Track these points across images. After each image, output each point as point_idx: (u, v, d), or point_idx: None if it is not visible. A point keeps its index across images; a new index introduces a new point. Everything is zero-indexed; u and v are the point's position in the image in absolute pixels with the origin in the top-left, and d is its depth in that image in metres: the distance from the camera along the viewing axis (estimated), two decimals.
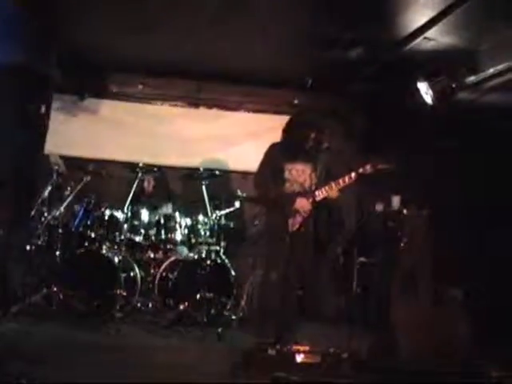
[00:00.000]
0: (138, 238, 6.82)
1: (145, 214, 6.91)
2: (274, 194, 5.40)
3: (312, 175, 5.48)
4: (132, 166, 7.10)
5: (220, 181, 7.50)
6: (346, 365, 4.50)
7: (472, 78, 6.28)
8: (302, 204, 5.32)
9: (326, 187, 5.36)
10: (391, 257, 6.98)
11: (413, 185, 7.33)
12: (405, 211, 7.05)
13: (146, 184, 7.57)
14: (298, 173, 5.44)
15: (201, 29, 6.23)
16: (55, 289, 6.04)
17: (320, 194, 5.37)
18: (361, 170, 5.28)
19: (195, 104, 8.49)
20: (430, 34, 5.58)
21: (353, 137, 8.30)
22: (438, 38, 5.68)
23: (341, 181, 5.33)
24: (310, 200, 5.33)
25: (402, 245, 6.87)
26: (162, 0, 5.57)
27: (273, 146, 5.57)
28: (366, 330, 5.84)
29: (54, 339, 5.30)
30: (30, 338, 5.22)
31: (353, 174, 5.28)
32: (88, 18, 6.20)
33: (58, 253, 6.37)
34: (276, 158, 5.47)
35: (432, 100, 6.49)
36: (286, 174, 5.42)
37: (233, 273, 6.69)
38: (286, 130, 5.56)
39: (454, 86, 6.36)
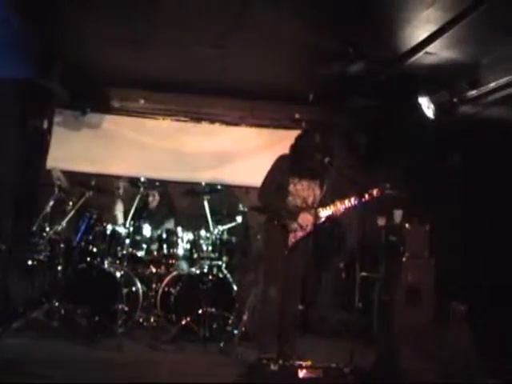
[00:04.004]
0: (139, 253, 6.80)
1: (147, 229, 6.89)
2: (278, 206, 5.39)
3: (317, 191, 5.48)
4: (134, 181, 7.11)
5: (222, 195, 7.49)
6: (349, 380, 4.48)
7: (473, 93, 6.29)
8: (306, 219, 5.31)
9: (331, 206, 5.37)
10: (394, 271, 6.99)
11: (415, 200, 7.34)
12: (407, 225, 7.04)
13: (149, 199, 7.56)
14: (304, 187, 5.43)
15: (202, 44, 6.26)
16: (57, 304, 6.02)
17: (324, 212, 5.37)
18: (367, 195, 5.28)
19: (197, 119, 8.52)
20: (431, 48, 5.60)
21: (357, 153, 8.30)
22: (439, 52, 5.70)
23: (347, 201, 5.33)
24: (314, 215, 5.32)
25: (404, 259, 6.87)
26: (163, 16, 5.60)
27: (281, 159, 5.55)
28: (369, 345, 5.81)
29: (55, 355, 5.28)
30: (32, 353, 5.21)
31: (359, 198, 5.28)
32: (90, 33, 6.23)
33: (59, 268, 6.36)
34: (283, 170, 5.46)
35: (434, 114, 6.51)
36: (292, 188, 5.41)
37: (235, 287, 6.68)
38: (293, 148, 5.55)
39: (455, 100, 6.38)
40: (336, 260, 7.81)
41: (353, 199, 5.30)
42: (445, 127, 6.92)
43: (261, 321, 5.61)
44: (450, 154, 7.62)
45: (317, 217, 5.35)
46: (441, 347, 4.81)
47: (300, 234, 5.38)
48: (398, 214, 7.31)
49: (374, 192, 5.31)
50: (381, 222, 7.50)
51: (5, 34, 5.76)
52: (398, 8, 5.02)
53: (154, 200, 7.58)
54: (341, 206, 5.35)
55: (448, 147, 7.55)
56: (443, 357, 4.70)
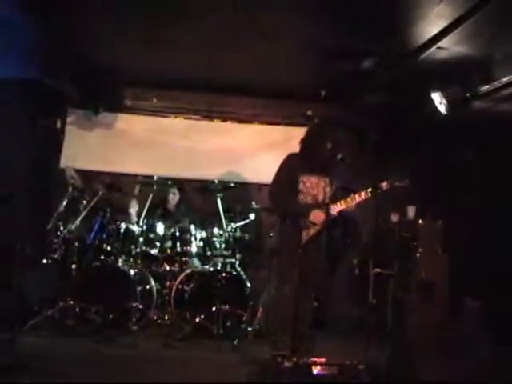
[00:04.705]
0: (153, 251, 6.83)
1: (160, 227, 6.92)
2: (289, 205, 5.40)
3: (328, 188, 5.48)
4: (147, 180, 7.14)
5: (235, 193, 7.50)
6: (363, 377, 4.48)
7: (486, 87, 6.25)
8: (317, 216, 5.32)
9: (342, 201, 5.37)
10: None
11: (428, 196, 7.31)
12: (420, 221, 7.02)
13: (169, 197, 7.59)
14: (314, 185, 5.44)
15: (214, 42, 6.26)
16: (71, 302, 6.06)
17: (336, 208, 5.37)
18: (378, 187, 5.27)
19: (209, 117, 8.53)
20: (443, 43, 5.57)
21: (368, 149, 8.27)
22: (451, 47, 5.66)
23: (357, 196, 5.33)
24: (325, 212, 5.33)
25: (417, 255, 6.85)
26: (175, 14, 5.61)
27: (289, 157, 5.58)
28: (383, 342, 5.80)
29: (69, 352, 5.31)
30: (46, 351, 5.24)
31: (369, 190, 5.27)
32: (102, 32, 6.25)
33: (73, 266, 6.39)
34: (292, 169, 5.47)
35: (446, 110, 6.48)
36: (302, 186, 5.42)
37: (248, 285, 6.68)
38: (303, 142, 5.56)
39: (468, 95, 6.35)
40: (349, 257, 7.79)
41: (363, 194, 5.30)
42: (457, 122, 6.89)
43: (274, 318, 5.61)
44: (463, 150, 7.59)
45: (328, 214, 5.35)
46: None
47: (312, 231, 5.38)
48: (411, 210, 7.28)
49: (384, 185, 5.30)
50: (394, 218, 7.48)
51: (17, 35, 5.80)
52: (410, 3, 5.00)
53: (174, 198, 7.61)
54: (351, 202, 5.35)
55: (460, 143, 7.51)
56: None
